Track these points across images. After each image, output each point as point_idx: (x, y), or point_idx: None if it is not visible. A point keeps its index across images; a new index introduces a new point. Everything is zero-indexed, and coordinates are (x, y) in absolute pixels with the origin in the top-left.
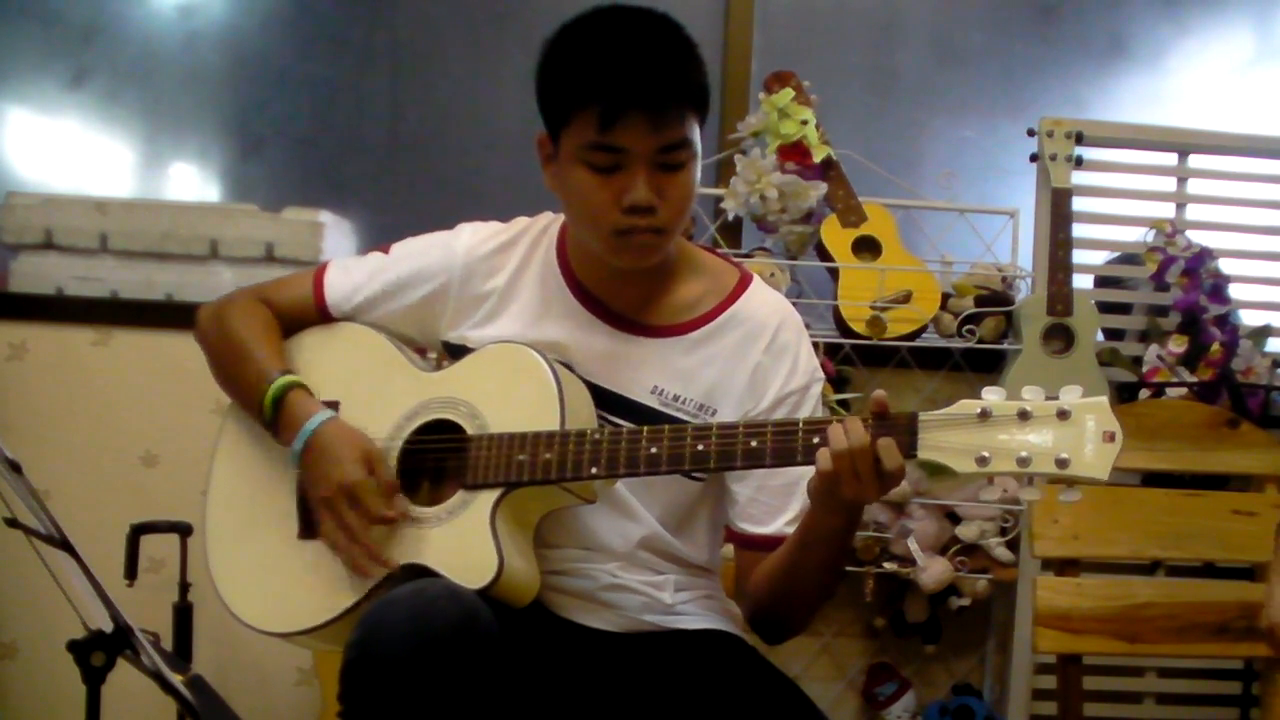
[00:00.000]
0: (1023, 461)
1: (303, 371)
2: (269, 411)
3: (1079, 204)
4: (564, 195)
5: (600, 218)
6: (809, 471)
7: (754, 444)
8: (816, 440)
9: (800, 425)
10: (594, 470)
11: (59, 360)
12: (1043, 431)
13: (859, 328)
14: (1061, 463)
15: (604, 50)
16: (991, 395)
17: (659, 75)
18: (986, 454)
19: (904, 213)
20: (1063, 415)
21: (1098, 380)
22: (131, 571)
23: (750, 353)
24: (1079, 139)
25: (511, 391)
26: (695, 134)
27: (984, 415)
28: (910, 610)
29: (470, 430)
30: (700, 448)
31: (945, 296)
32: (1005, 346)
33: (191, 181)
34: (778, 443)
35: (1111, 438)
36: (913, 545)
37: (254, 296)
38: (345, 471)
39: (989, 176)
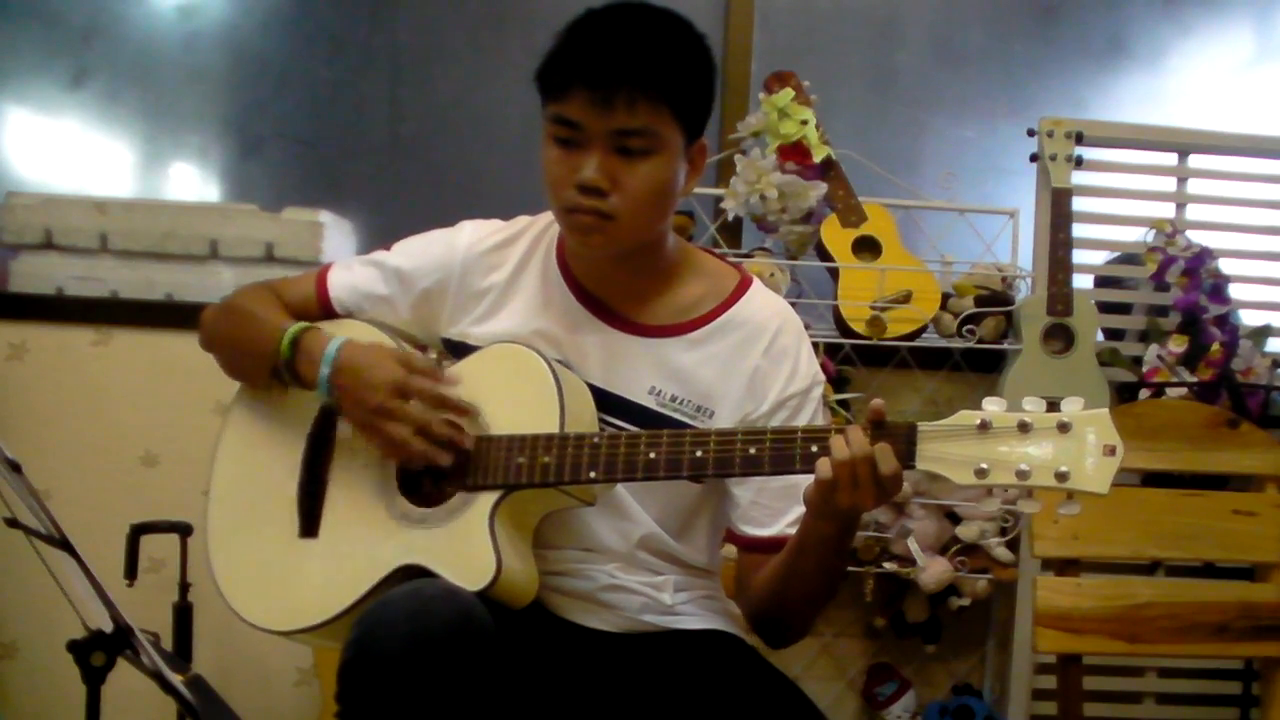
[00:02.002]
0: (1022, 474)
1: None
2: (286, 352)
3: (1079, 204)
4: (542, 173)
5: (557, 192)
6: (809, 476)
7: (752, 451)
8: (815, 449)
9: (799, 433)
10: (592, 474)
11: (59, 360)
12: (1043, 444)
13: (859, 328)
14: (1061, 476)
15: (580, 29)
16: (992, 406)
17: (608, 57)
18: (985, 466)
19: (904, 213)
20: (1063, 428)
21: (1098, 380)
22: (131, 571)
23: (749, 355)
24: (1079, 139)
25: (512, 393)
26: (664, 128)
27: (984, 426)
28: (910, 610)
29: (471, 431)
30: (698, 454)
31: (945, 296)
32: (1005, 346)
33: (191, 181)
34: (776, 450)
35: (1112, 451)
36: (913, 545)
37: (259, 286)
38: (387, 371)
39: (989, 176)
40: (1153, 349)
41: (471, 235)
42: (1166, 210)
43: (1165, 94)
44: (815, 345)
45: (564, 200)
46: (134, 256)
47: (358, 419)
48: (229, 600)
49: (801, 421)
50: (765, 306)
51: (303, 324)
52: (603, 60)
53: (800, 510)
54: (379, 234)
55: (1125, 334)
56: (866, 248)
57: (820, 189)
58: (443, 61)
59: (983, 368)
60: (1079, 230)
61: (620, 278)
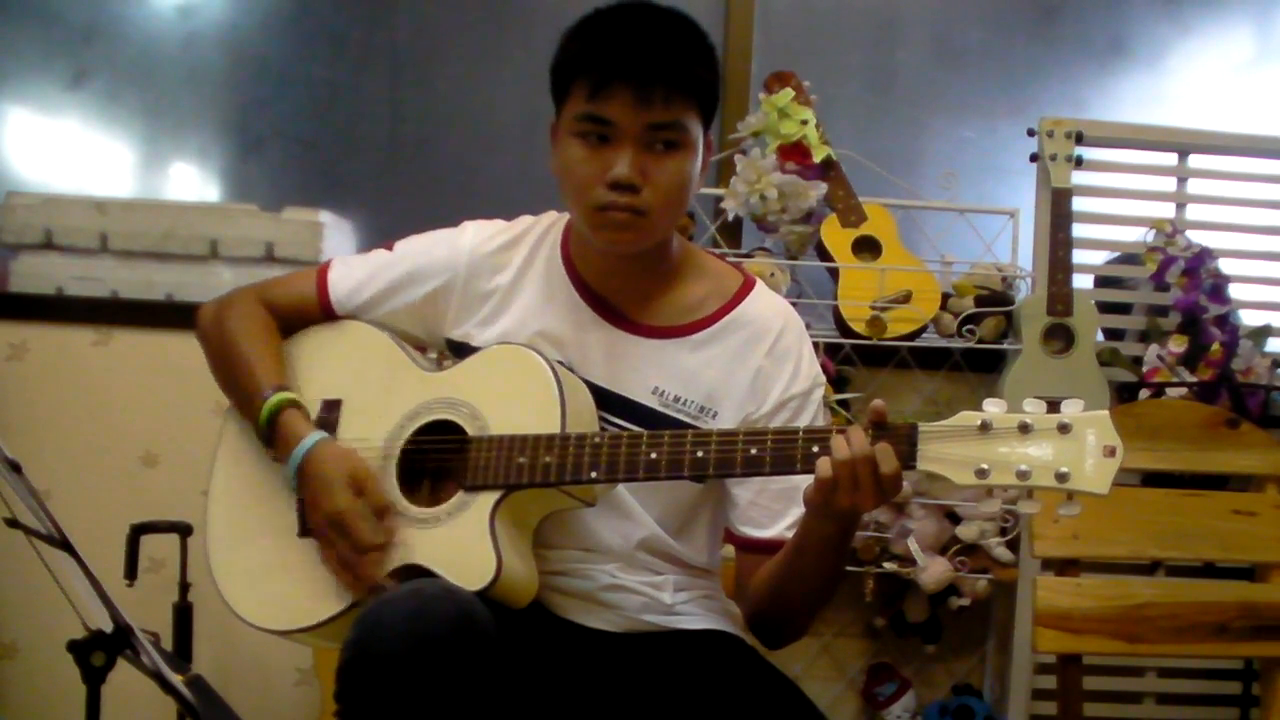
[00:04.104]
0: (1022, 475)
1: (305, 370)
2: (264, 429)
3: (1079, 204)
4: (559, 172)
5: (585, 191)
6: (810, 477)
7: (753, 451)
8: (816, 449)
9: (800, 434)
10: (593, 474)
11: (59, 360)
12: (1043, 445)
13: (859, 328)
14: (1061, 476)
15: (605, 27)
16: (992, 407)
17: (647, 53)
18: (986, 466)
19: (904, 213)
20: (1063, 429)
21: (1098, 380)
22: (131, 571)
23: (752, 356)
24: (1079, 139)
25: (513, 393)
26: (691, 123)
27: (984, 427)
28: (910, 610)
29: (471, 431)
30: (699, 454)
31: (945, 296)
32: (1005, 346)
33: (191, 181)
34: (777, 451)
35: (1112, 452)
36: (913, 545)
37: (255, 297)
38: (333, 500)
39: (989, 176)
40: (1153, 349)
41: (475, 236)
42: (1166, 210)
43: (1165, 94)
44: (815, 345)
45: (594, 199)
46: (134, 256)
47: (309, 519)
48: (228, 600)
49: (802, 422)
50: (768, 307)
51: (283, 396)
52: (642, 58)
53: (799, 512)
54: (379, 234)
55: (1125, 334)
56: (866, 248)
57: (820, 189)
58: (443, 61)
59: (983, 368)
60: (1079, 230)
61: (625, 278)
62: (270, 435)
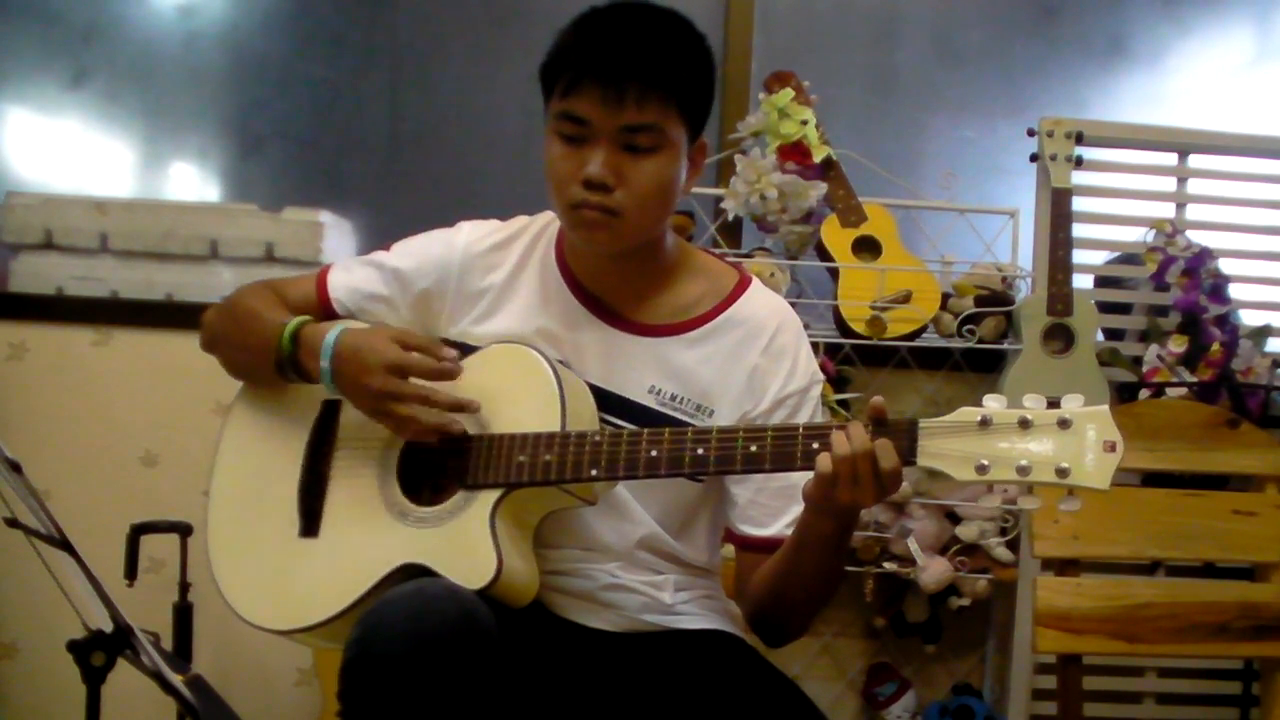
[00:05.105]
0: (1023, 470)
1: None
2: (288, 347)
3: (1079, 204)
4: (544, 169)
5: (561, 189)
6: (809, 474)
7: (753, 449)
8: (816, 446)
9: (800, 430)
10: (594, 472)
11: (59, 360)
12: (1043, 440)
13: (859, 328)
14: (1062, 472)
15: (589, 26)
16: (992, 403)
17: (620, 52)
18: (986, 462)
19: (904, 213)
20: (1064, 424)
21: (1098, 380)
22: (131, 571)
23: (748, 354)
24: (1079, 139)
25: (513, 392)
26: (671, 125)
27: (984, 423)
28: (910, 610)
29: (472, 430)
30: (699, 451)
31: (945, 296)
32: (1005, 346)
33: (191, 181)
34: (777, 448)
35: (1113, 447)
36: (913, 545)
37: (260, 284)
38: (383, 355)
39: (989, 176)
40: (1153, 349)
41: (470, 235)
42: (1166, 210)
43: (1165, 94)
44: (815, 345)
45: (569, 197)
46: (134, 256)
47: (364, 406)
48: (229, 600)
49: (800, 420)
50: (764, 305)
51: (303, 318)
52: (614, 56)
53: (798, 510)
54: (379, 234)
55: (1125, 334)
56: (866, 248)
57: (820, 189)
58: (443, 61)
59: (983, 368)
60: (1079, 230)
61: (619, 277)
62: (294, 354)
